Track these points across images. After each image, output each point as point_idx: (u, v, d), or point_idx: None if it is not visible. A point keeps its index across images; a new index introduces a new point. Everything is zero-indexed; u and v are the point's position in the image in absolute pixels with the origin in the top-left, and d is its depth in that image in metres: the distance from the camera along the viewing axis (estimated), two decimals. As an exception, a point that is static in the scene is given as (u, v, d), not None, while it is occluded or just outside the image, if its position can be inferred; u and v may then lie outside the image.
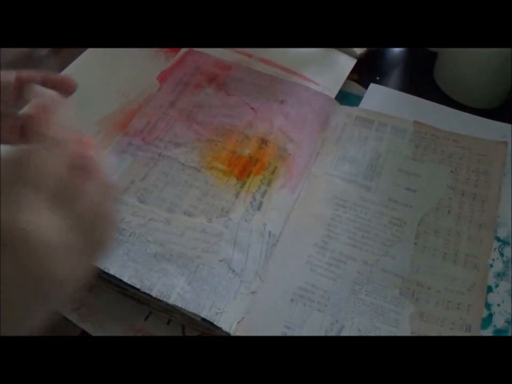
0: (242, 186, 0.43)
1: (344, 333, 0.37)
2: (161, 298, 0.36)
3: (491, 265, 0.40)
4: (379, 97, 0.50)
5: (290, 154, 0.45)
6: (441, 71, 0.53)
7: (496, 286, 0.39)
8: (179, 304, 0.36)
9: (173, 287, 0.37)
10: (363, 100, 0.50)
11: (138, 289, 0.37)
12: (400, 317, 0.38)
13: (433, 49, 0.54)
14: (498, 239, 0.41)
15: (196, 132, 0.46)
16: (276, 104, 0.48)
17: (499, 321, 0.37)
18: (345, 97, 0.50)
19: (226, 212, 0.41)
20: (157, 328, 0.38)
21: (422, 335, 0.37)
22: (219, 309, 0.36)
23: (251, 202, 0.42)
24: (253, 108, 0.48)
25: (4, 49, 0.53)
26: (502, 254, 0.40)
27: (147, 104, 0.48)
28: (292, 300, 0.38)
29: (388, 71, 0.55)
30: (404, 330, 0.37)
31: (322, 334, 0.37)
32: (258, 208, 0.42)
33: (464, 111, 0.49)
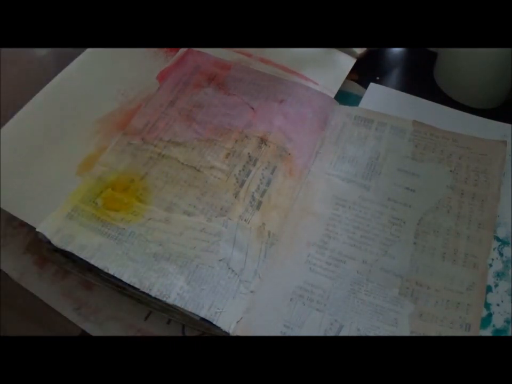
0: (241, 186, 0.43)
1: (344, 333, 0.37)
2: (161, 298, 0.36)
3: (490, 265, 0.40)
4: (379, 97, 0.50)
5: (289, 153, 0.45)
6: (441, 71, 0.53)
7: (496, 285, 0.39)
8: (178, 303, 0.36)
9: (172, 287, 0.37)
10: (362, 99, 0.50)
11: (137, 289, 0.37)
12: (400, 317, 0.38)
13: (433, 49, 0.54)
14: (497, 238, 0.41)
15: (195, 131, 0.46)
16: (275, 104, 0.48)
17: (498, 321, 0.37)
18: (345, 97, 0.50)
19: (226, 211, 0.41)
20: (157, 328, 0.38)
21: (422, 334, 0.37)
22: (218, 309, 0.36)
23: (250, 202, 0.42)
24: (252, 108, 0.48)
25: (4, 49, 0.53)
26: (501, 254, 0.40)
27: (147, 103, 0.48)
28: (291, 299, 0.38)
29: (388, 71, 0.55)
30: (403, 329, 0.37)
31: (321, 333, 0.37)
32: (258, 207, 0.42)
33: (464, 111, 0.49)
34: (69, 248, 0.38)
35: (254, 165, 0.44)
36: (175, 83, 0.50)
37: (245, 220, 0.41)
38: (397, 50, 0.57)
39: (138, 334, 0.38)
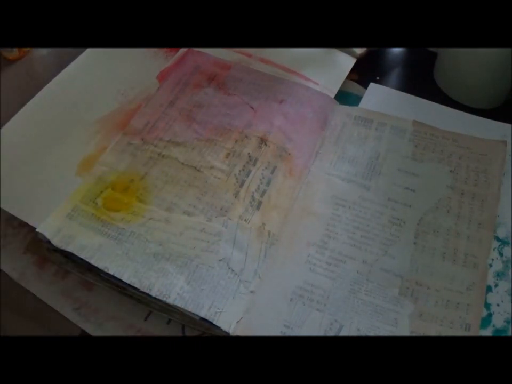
0: (241, 186, 0.43)
1: (344, 333, 0.37)
2: (161, 298, 0.36)
3: (490, 265, 0.40)
4: (379, 97, 0.50)
5: (289, 153, 0.45)
6: (441, 71, 0.53)
7: (496, 285, 0.39)
8: (178, 303, 0.36)
9: (172, 287, 0.37)
10: (362, 99, 0.50)
11: (137, 289, 0.37)
12: (400, 317, 0.38)
13: (433, 49, 0.54)
14: (497, 238, 0.41)
15: (195, 131, 0.46)
16: (275, 104, 0.48)
17: (498, 321, 0.37)
18: (345, 97, 0.50)
19: (226, 211, 0.41)
20: (157, 328, 0.38)
21: (422, 334, 0.37)
22: (218, 309, 0.36)
23: (250, 202, 0.42)
24: (252, 108, 0.48)
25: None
26: (501, 254, 0.40)
27: (147, 103, 0.48)
28: (291, 299, 0.38)
29: (388, 71, 0.55)
30: (403, 329, 0.37)
31: (321, 333, 0.37)
32: (258, 207, 0.42)
33: (464, 111, 0.49)
34: (69, 248, 0.38)
35: (254, 165, 0.44)
36: (175, 83, 0.50)
37: (245, 220, 0.41)
38: (397, 50, 0.57)
39: (138, 334, 0.38)
